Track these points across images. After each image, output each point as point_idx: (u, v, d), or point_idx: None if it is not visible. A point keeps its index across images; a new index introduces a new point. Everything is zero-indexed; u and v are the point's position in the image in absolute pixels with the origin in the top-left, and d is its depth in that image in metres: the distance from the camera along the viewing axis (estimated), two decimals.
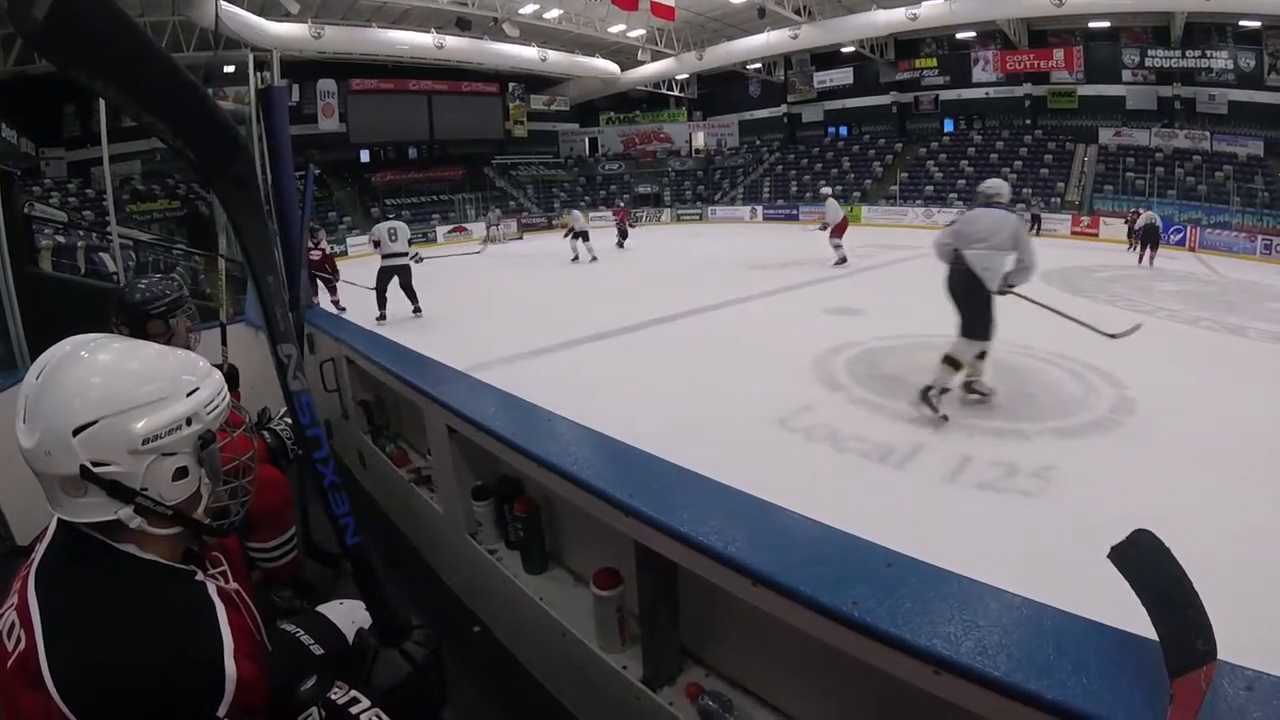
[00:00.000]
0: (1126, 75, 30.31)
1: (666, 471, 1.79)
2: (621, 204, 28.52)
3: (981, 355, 6.35)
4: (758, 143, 38.62)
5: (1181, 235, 25.01)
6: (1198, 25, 28.84)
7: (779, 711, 1.70)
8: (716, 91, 38.91)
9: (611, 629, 1.95)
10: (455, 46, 28.87)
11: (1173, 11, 27.86)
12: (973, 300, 6.06)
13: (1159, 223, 18.89)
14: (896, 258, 17.38)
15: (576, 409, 2.43)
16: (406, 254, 11.09)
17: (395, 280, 10.97)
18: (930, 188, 30.30)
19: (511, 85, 36.14)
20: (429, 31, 27.99)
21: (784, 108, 37.58)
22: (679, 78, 37.59)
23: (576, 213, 20.26)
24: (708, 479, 1.71)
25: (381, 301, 10.94)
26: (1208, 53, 29.16)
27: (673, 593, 1.79)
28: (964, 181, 30.33)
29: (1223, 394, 7.23)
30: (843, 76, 35.10)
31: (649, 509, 1.55)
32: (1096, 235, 26.02)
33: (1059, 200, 28.61)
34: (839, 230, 16.26)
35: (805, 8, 30.11)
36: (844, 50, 33.56)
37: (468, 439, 2.41)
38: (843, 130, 36.35)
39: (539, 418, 2.30)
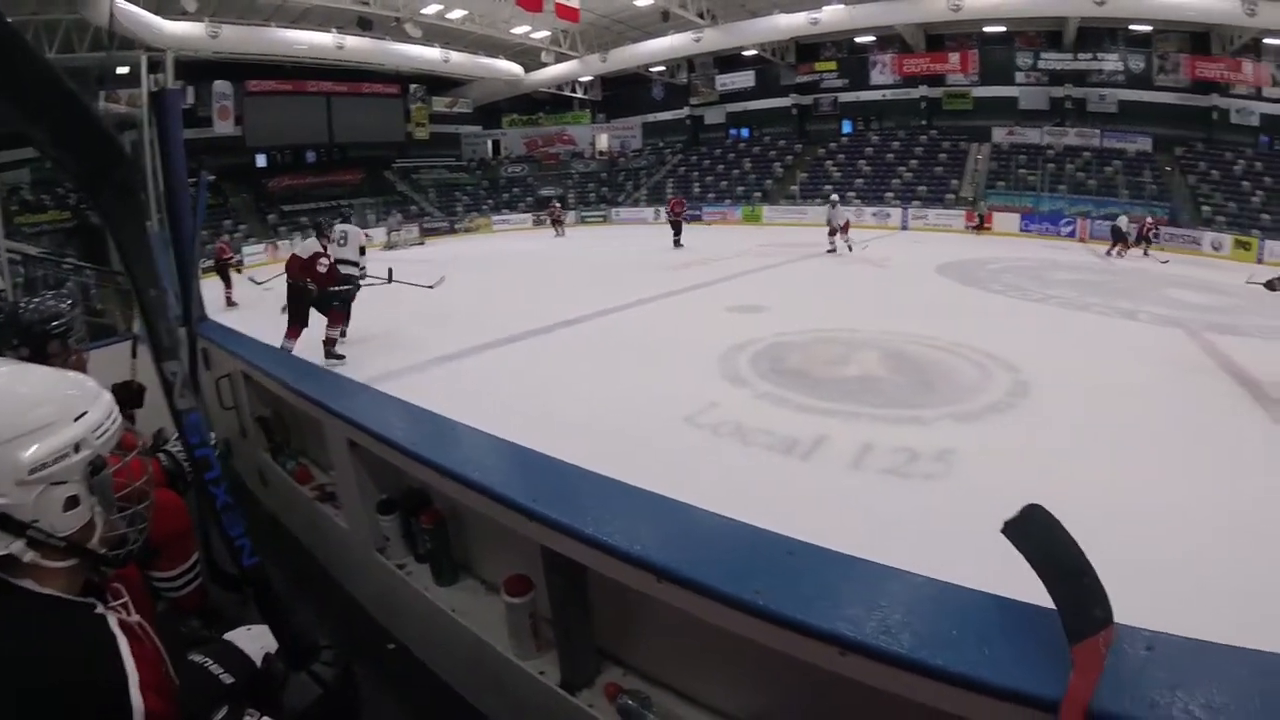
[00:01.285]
0: (1020, 77, 31.99)
1: (573, 475, 1.80)
2: (557, 204, 29.85)
3: None
4: (661, 145, 38.82)
5: (1072, 227, 26.58)
6: (1090, 30, 30.53)
7: (698, 704, 1.72)
8: (620, 94, 39.01)
9: (526, 635, 1.94)
10: (356, 47, 28.31)
11: (1067, 16, 29.32)
12: None
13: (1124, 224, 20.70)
14: (796, 255, 17.81)
15: (483, 415, 2.42)
16: (357, 264, 9.00)
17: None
18: (829, 187, 30.82)
19: (413, 87, 35.50)
20: (329, 31, 27.34)
21: (687, 110, 37.92)
22: (583, 80, 37.58)
23: None
24: (614, 480, 1.73)
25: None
26: (1099, 55, 30.94)
27: (584, 595, 1.79)
28: (862, 180, 31.62)
29: (1113, 374, 7.70)
30: (744, 79, 35.73)
31: (554, 513, 1.55)
32: (989, 230, 27.27)
33: (953, 197, 29.85)
34: (844, 229, 17.91)
35: (708, 11, 30.53)
36: (746, 54, 34.22)
37: (370, 452, 2.37)
38: (744, 132, 36.91)
39: (443, 427, 2.28)
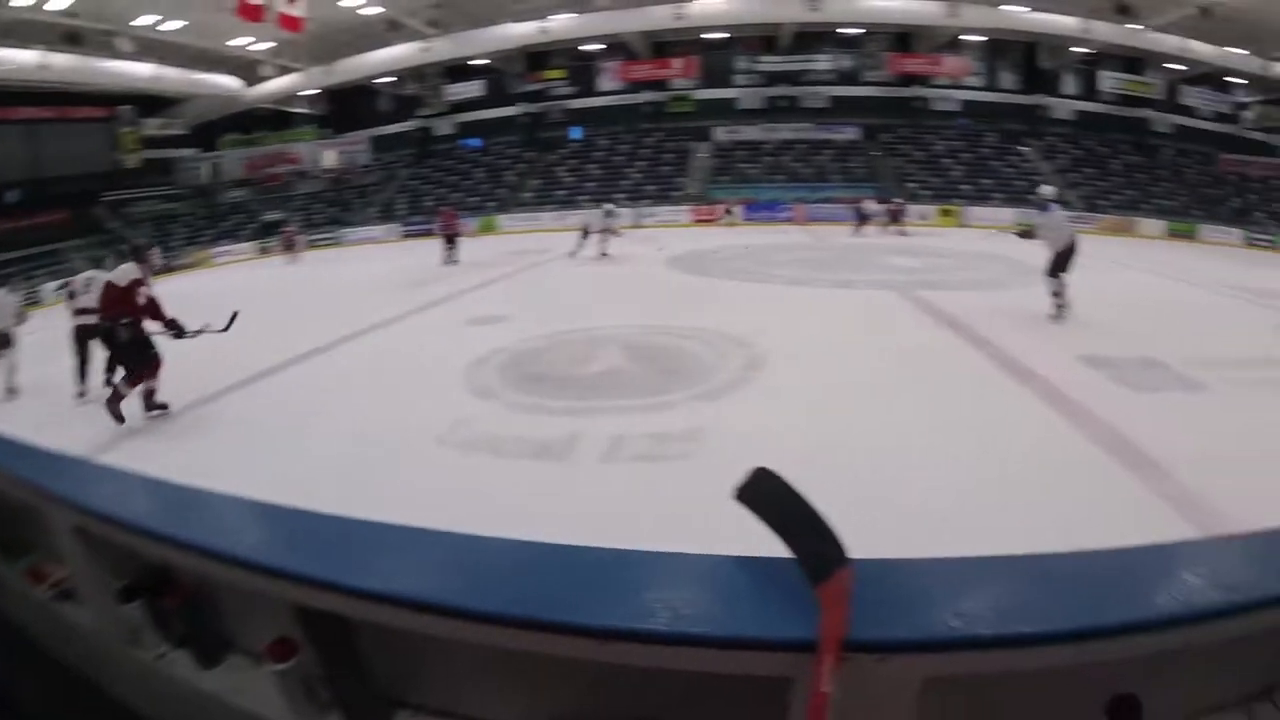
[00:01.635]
0: (739, 79, 35.14)
1: (323, 523, 1.73)
2: (291, 227, 28.15)
3: None
4: (391, 158, 37.83)
5: (790, 213, 29.49)
6: (805, 34, 34.49)
7: None
8: (347, 107, 37.75)
9: (301, 701, 1.82)
10: (61, 65, 25.59)
11: (783, 22, 32.39)
12: None
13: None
14: (531, 262, 18.19)
15: (223, 473, 2.31)
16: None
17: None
18: (561, 192, 32.23)
19: (122, 109, 32.10)
20: (34, 49, 24.49)
21: (416, 122, 37.45)
22: (306, 93, 36.13)
23: None
24: (367, 522, 1.66)
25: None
26: (811, 57, 34.57)
27: (352, 647, 1.73)
28: (593, 184, 32.58)
29: (833, 336, 9.10)
30: (474, 89, 35.84)
31: (305, 568, 1.50)
32: (714, 221, 29.44)
33: (680, 194, 32.00)
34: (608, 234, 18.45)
35: (438, 21, 30.11)
36: (475, 63, 34.28)
37: (101, 536, 2.16)
38: (475, 142, 36.86)
39: (177, 495, 2.08)
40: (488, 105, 36.19)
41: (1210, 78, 36.41)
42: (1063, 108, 36.77)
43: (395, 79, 36.51)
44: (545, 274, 16.33)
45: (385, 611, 1.38)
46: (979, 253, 18.47)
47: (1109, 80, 36.57)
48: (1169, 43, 33.35)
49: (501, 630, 1.26)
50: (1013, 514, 4.42)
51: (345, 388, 7.93)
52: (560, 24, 31.38)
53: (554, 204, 30.57)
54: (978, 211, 29.51)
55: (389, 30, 30.53)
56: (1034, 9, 31.51)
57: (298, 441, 6.23)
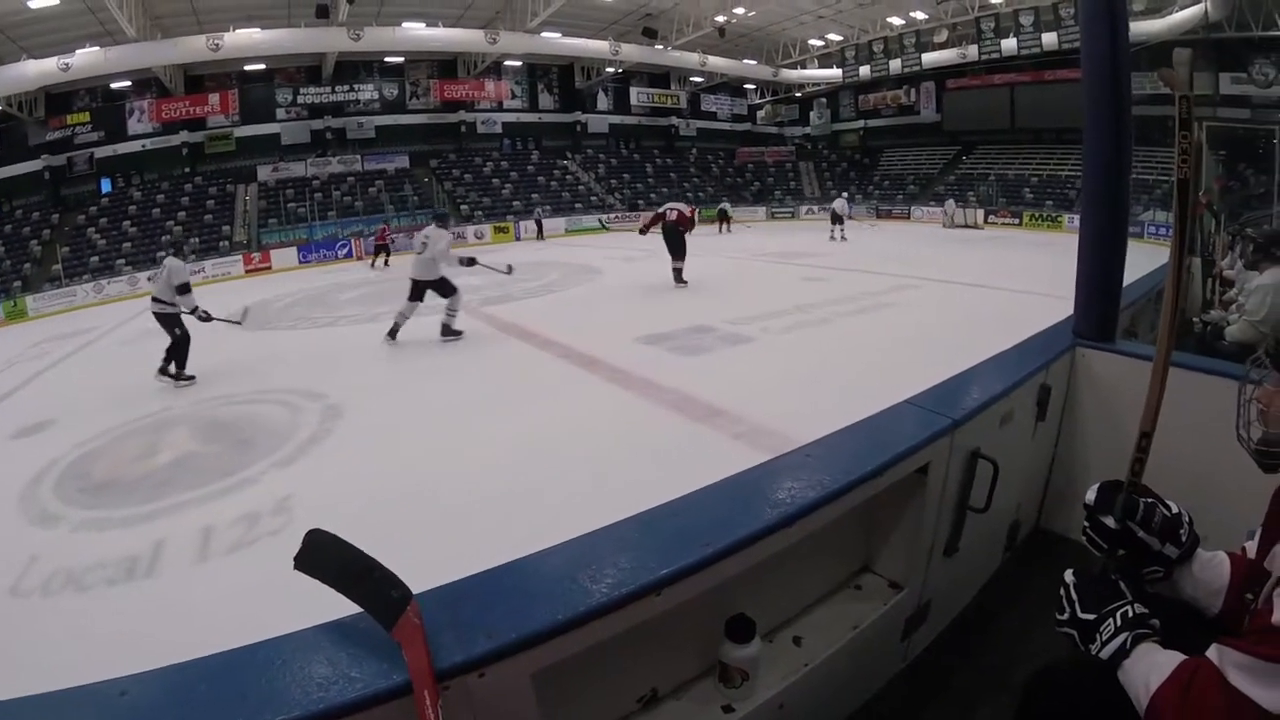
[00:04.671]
0: (281, 113, 33.27)
1: None
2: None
3: None
4: None
5: (348, 248, 29.05)
6: (348, 63, 33.43)
7: None
8: None
9: None
10: None
11: (325, 52, 30.99)
12: None
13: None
14: (73, 347, 15.17)
15: None
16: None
17: None
18: (95, 258, 27.02)
19: None
20: None
21: None
22: None
23: None
24: None
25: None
26: (356, 87, 34.32)
27: None
28: (129, 245, 27.95)
29: (416, 367, 9.40)
30: None
31: None
32: (270, 268, 27.43)
33: (228, 244, 29.10)
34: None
35: None
36: None
37: None
38: None
39: None
40: (3, 162, 29.66)
41: (727, 85, 44.74)
42: (599, 122, 41.78)
43: None
44: (93, 358, 13.84)
45: None
46: (537, 262, 20.12)
47: (639, 95, 42.53)
48: (690, 59, 39.04)
49: None
50: (610, 485, 5.02)
51: None
52: (86, 59, 26.57)
53: (89, 274, 25.86)
54: (525, 225, 32.46)
55: None
56: (567, 34, 33.98)
57: None
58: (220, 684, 1.25)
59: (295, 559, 1.25)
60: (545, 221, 32.32)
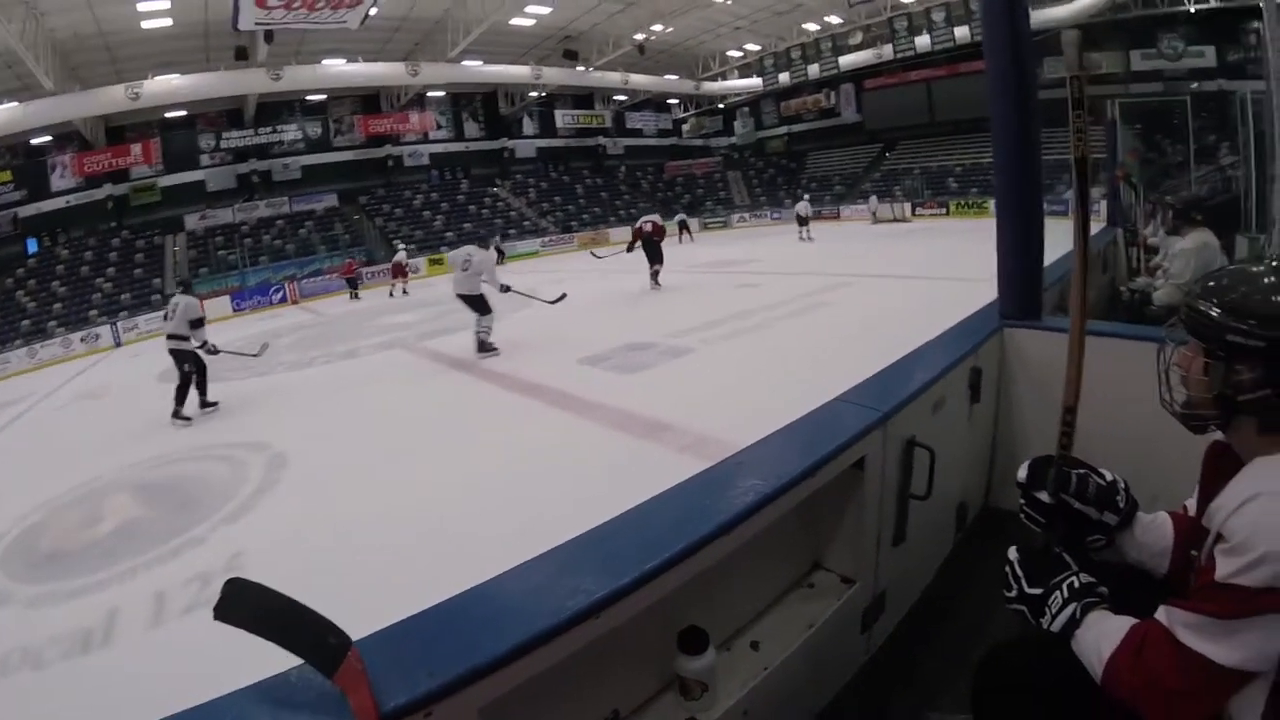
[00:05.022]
0: (205, 159, 32.90)
1: None
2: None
3: None
4: None
5: (282, 292, 28.47)
6: (269, 104, 33.11)
7: None
8: None
9: None
10: None
11: (245, 94, 30.60)
12: None
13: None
14: (2, 421, 14.42)
15: None
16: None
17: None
18: (26, 321, 26.23)
19: None
20: None
21: None
22: None
23: None
24: None
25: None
26: (279, 128, 34.10)
27: None
28: (59, 305, 27.20)
29: (357, 408, 9.22)
30: None
31: None
32: (204, 320, 26.05)
33: (159, 297, 27.69)
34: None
35: None
36: None
37: None
38: None
39: None
40: None
41: (651, 101, 45.02)
42: (526, 147, 41.83)
43: None
44: (26, 427, 13.24)
45: None
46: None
47: (564, 117, 42.61)
48: (612, 78, 38.95)
49: None
50: (559, 508, 4.92)
51: None
52: (3, 115, 25.78)
53: (21, 339, 24.82)
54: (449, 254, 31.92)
55: None
56: (488, 61, 33.85)
57: None
58: None
59: (215, 609, 1.22)
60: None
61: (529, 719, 1.60)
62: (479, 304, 10.88)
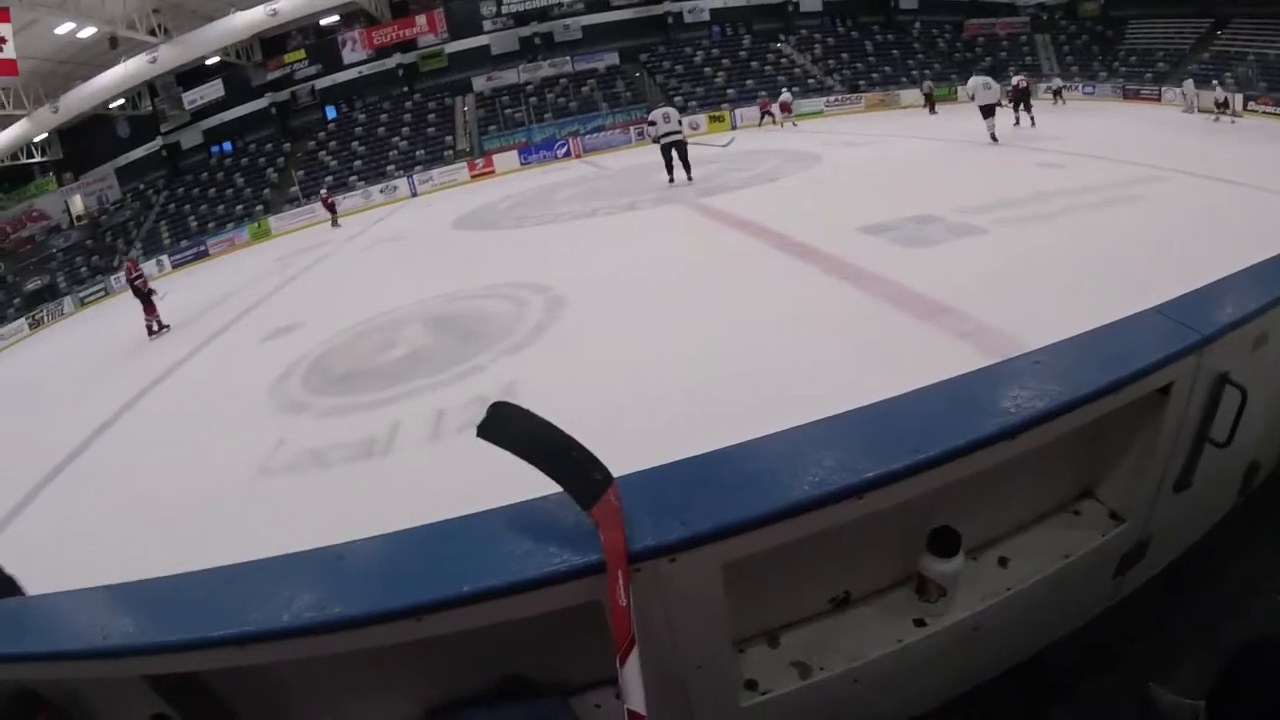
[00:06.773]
0: (488, 25, 34.02)
1: (165, 587, 1.59)
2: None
3: None
4: (142, 186, 34.15)
5: (566, 147, 29.92)
6: None
7: None
8: (83, 144, 33.19)
9: None
10: None
11: None
12: None
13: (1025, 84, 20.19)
14: (314, 258, 17.13)
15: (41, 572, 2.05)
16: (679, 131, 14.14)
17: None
18: (330, 178, 30.38)
19: None
20: None
21: (159, 140, 34.04)
22: (37, 140, 31.84)
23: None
24: (206, 570, 1.56)
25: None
26: None
27: (216, 701, 1.65)
28: (360, 162, 31.45)
29: (634, 259, 9.41)
30: (214, 90, 33.05)
31: (151, 635, 1.43)
32: (493, 172, 29.18)
33: (451, 152, 31.23)
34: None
35: (161, 26, 27.72)
36: (209, 63, 31.61)
37: None
38: (226, 146, 34.22)
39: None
40: (232, 105, 33.64)
41: None
42: (812, 0, 38.27)
43: (127, 99, 32.47)
44: (330, 267, 15.54)
45: (231, 654, 1.34)
46: (756, 149, 19.73)
47: None
48: None
49: (356, 634, 1.28)
50: (826, 380, 4.91)
51: (159, 442, 7.12)
52: (289, 3, 29.55)
53: (326, 191, 28.13)
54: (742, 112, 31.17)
55: (112, 49, 28.01)
56: None
57: (124, 514, 5.68)
58: (427, 551, 1.36)
59: (479, 427, 1.25)
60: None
61: (766, 580, 1.57)
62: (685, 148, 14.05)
